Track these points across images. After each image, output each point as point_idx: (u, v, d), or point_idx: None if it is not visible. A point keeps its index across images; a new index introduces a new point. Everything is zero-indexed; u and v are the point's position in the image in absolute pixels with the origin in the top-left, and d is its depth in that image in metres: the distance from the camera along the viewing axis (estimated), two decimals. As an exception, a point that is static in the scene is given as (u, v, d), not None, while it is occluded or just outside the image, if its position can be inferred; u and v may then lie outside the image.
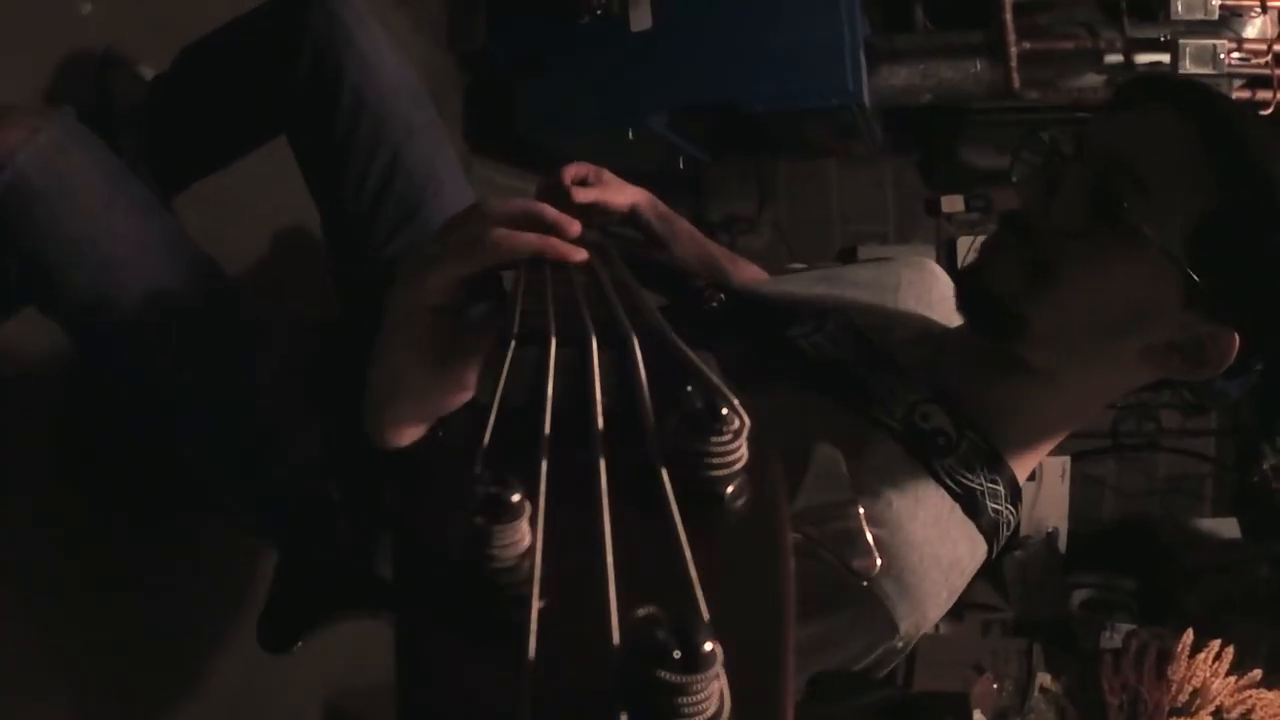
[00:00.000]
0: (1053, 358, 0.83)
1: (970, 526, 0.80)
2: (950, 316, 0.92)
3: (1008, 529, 0.84)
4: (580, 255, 0.60)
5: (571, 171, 1.07)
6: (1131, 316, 0.79)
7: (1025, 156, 0.85)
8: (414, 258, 0.64)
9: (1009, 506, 0.83)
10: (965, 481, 0.81)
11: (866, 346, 0.90)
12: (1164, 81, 0.86)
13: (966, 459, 0.81)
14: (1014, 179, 0.85)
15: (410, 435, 0.67)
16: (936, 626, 2.78)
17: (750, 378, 0.35)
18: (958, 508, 0.80)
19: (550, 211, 0.62)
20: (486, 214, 0.61)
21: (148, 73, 1.34)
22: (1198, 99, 0.79)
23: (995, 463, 0.83)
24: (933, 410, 0.83)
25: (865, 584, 0.69)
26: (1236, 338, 0.77)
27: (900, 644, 0.76)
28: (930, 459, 0.81)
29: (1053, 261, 0.79)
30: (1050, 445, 0.89)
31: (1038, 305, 0.80)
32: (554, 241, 0.60)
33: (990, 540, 0.82)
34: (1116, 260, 0.77)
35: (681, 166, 2.59)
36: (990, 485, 0.81)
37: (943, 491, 0.80)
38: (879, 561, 0.35)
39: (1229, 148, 0.76)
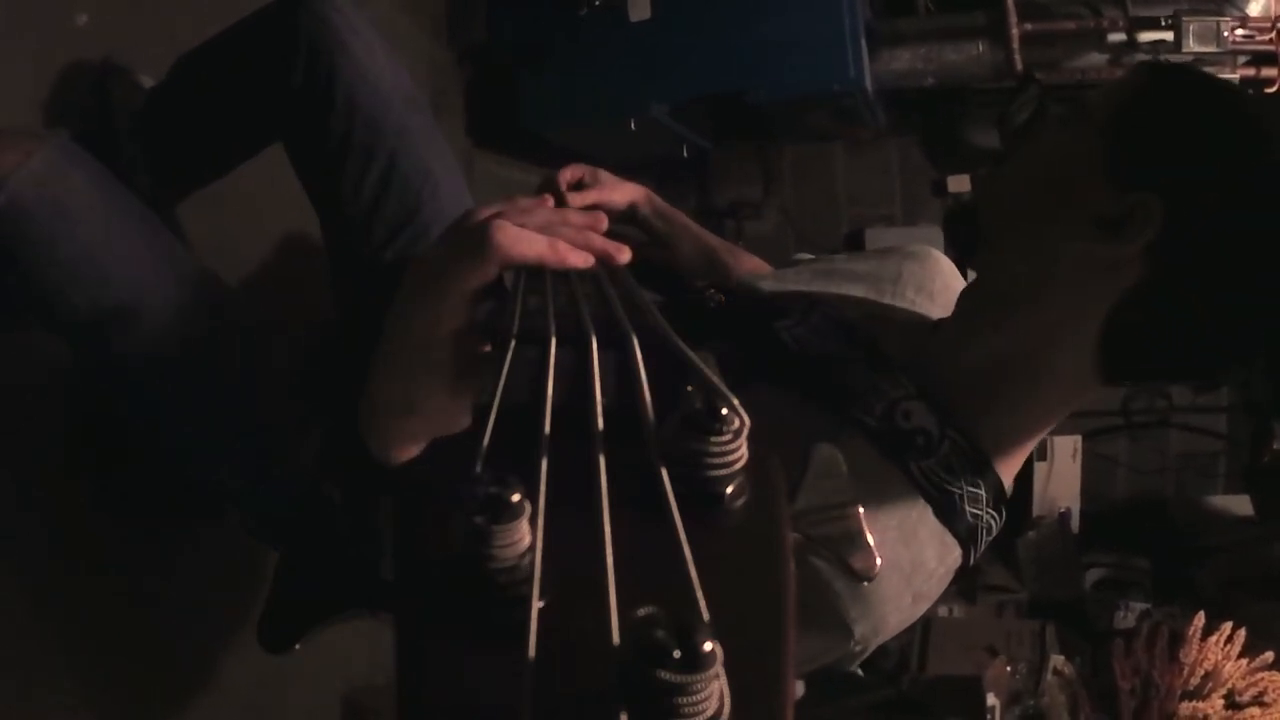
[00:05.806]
0: (999, 250, 0.85)
1: (941, 531, 0.78)
2: (950, 307, 0.91)
3: (989, 534, 0.82)
4: (585, 260, 0.57)
5: (568, 174, 1.07)
6: (1057, 182, 0.82)
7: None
8: (421, 270, 0.59)
9: (990, 511, 0.80)
10: (943, 484, 0.78)
11: (854, 340, 0.88)
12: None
13: (947, 461, 0.79)
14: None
15: (415, 451, 0.65)
16: (950, 610, 2.79)
17: (731, 375, 0.35)
18: (929, 510, 0.77)
19: (574, 216, 0.61)
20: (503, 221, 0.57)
21: (147, 81, 1.34)
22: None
23: (979, 464, 0.80)
24: (916, 407, 0.80)
25: (844, 586, 0.70)
26: (1159, 201, 0.75)
27: (858, 648, 0.75)
28: (907, 460, 0.78)
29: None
30: (1039, 432, 0.86)
31: (984, 193, 0.86)
32: (562, 247, 0.56)
33: (966, 545, 0.79)
34: (1047, 136, 0.86)
35: (685, 154, 2.59)
36: (971, 489, 0.79)
37: (916, 494, 0.77)
38: (879, 562, 0.35)
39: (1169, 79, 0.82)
